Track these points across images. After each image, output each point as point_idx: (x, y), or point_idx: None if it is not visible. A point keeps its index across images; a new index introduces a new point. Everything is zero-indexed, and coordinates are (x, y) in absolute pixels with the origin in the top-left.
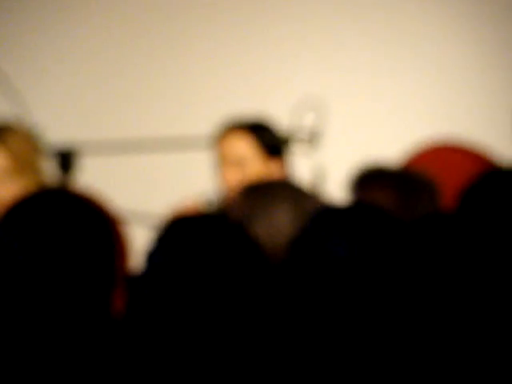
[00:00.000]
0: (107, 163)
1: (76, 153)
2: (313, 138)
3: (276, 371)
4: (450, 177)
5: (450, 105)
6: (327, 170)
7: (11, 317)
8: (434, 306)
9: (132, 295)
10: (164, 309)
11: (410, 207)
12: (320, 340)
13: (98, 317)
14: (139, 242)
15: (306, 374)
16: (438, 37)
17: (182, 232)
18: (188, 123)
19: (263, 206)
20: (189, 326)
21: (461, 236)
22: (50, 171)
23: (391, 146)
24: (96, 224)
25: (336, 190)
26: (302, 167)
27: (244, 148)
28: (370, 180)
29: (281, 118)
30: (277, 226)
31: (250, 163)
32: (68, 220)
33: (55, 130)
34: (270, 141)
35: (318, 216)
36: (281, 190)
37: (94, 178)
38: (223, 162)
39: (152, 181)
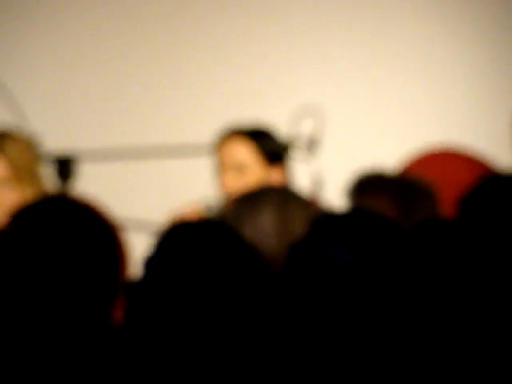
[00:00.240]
0: (105, 170)
1: (74, 160)
2: (311, 145)
3: (274, 375)
4: (448, 183)
5: (448, 112)
6: (326, 177)
7: (15, 322)
8: (434, 312)
9: (130, 302)
10: (162, 315)
11: (408, 213)
12: (319, 345)
13: (99, 324)
14: (138, 249)
15: (303, 377)
16: (436, 44)
17: (180, 238)
18: (187, 131)
19: (249, 211)
20: (187, 331)
21: (461, 243)
22: (48, 179)
23: (389, 153)
24: (99, 231)
25: (335, 196)
26: (300, 174)
27: (244, 154)
28: (369, 186)
29: (280, 125)
30: (261, 230)
31: (250, 170)
32: (71, 227)
33: (53, 138)
34: (271, 147)
35: (318, 222)
36: (266, 196)
37: (92, 185)
38: (223, 167)
39: (150, 188)
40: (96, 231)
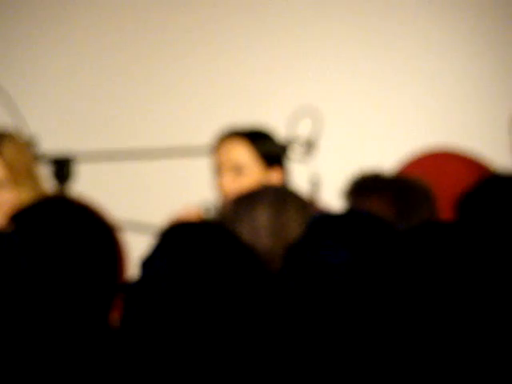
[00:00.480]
0: (103, 172)
1: (72, 161)
2: (309, 147)
3: (271, 375)
4: (445, 184)
5: (445, 114)
6: (323, 178)
7: (13, 322)
8: (431, 314)
9: (127, 303)
10: (159, 315)
11: (406, 215)
12: (315, 346)
13: (97, 324)
14: (135, 250)
15: (299, 378)
16: (434, 47)
17: (177, 239)
18: (185, 132)
19: (246, 210)
20: (184, 332)
21: (458, 245)
22: (46, 180)
23: (387, 154)
24: (97, 232)
25: (332, 197)
26: (298, 175)
27: (242, 156)
28: (367, 187)
29: (278, 126)
30: (257, 229)
31: (248, 171)
32: (70, 229)
33: (51, 139)
34: (269, 149)
35: (314, 223)
36: (263, 195)
37: (90, 186)
38: (221, 169)
39: (148, 189)
40: (94, 232)
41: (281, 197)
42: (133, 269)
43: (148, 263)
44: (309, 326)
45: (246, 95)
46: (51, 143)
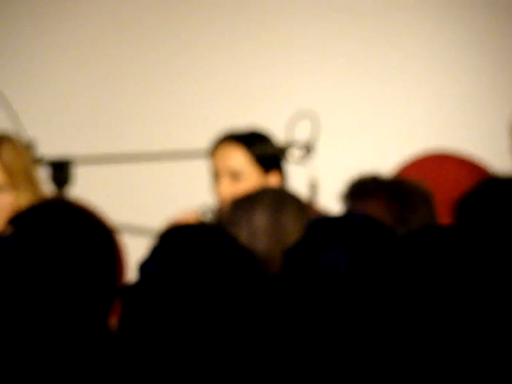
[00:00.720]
0: (101, 175)
1: (70, 164)
2: (307, 150)
3: (270, 378)
4: (444, 186)
5: (444, 117)
6: (321, 182)
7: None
8: (430, 319)
9: (125, 305)
10: (157, 318)
11: (405, 217)
12: (314, 349)
13: (96, 326)
14: (133, 253)
15: (300, 381)
16: (432, 50)
17: (175, 242)
18: (183, 136)
19: (244, 212)
20: (182, 334)
21: (457, 248)
22: (44, 183)
23: (385, 157)
24: (97, 235)
25: (330, 201)
26: (296, 179)
27: (239, 161)
28: (365, 190)
29: (276, 130)
30: (255, 230)
31: (246, 176)
32: (69, 231)
33: (49, 142)
34: (266, 153)
35: (312, 226)
36: (262, 197)
37: (88, 189)
38: (218, 174)
39: (146, 193)
40: (93, 235)
41: (279, 199)
42: (131, 272)
43: (146, 266)
44: (307, 329)
45: (244, 98)
46: (49, 146)
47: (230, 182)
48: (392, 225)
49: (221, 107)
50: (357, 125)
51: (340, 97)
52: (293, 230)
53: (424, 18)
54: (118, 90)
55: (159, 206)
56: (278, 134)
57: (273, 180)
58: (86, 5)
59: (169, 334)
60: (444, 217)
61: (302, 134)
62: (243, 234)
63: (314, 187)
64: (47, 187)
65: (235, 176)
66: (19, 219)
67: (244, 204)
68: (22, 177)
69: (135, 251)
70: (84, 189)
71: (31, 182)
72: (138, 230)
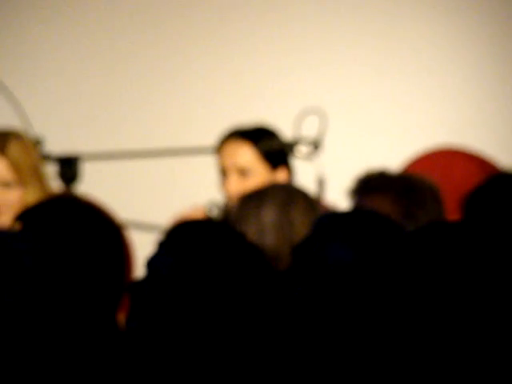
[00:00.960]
0: (109, 171)
1: (78, 161)
2: (315, 146)
3: (277, 375)
4: (452, 181)
5: (451, 113)
6: (329, 178)
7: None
8: (436, 315)
9: (133, 301)
10: (164, 314)
11: (412, 213)
12: (322, 345)
13: (105, 324)
14: (141, 249)
15: (307, 379)
16: (439, 46)
17: (182, 237)
18: (191, 132)
19: (253, 207)
20: (191, 331)
21: (466, 244)
22: (52, 179)
23: (393, 153)
24: (106, 231)
25: (338, 197)
26: (304, 174)
27: (246, 157)
28: (373, 186)
29: (284, 126)
30: (263, 225)
31: (254, 173)
32: (78, 227)
33: (57, 138)
34: (273, 149)
35: (320, 222)
36: (271, 192)
37: (96, 185)
38: (225, 171)
39: (154, 189)
40: (102, 231)
41: (288, 195)
42: (139, 268)
43: (153, 262)
44: (315, 325)
45: (252, 95)
46: (57, 143)
47: (237, 179)
48: (400, 221)
49: (229, 104)
50: (364, 121)
51: (347, 93)
52: (301, 226)
53: (434, 15)
54: (125, 87)
55: (166, 202)
56: (286, 130)
57: (280, 176)
58: (94, 3)
59: (176, 330)
60: (452, 213)
61: (309, 130)
62: (252, 230)
63: (321, 183)
64: (55, 184)
65: (243, 173)
66: (27, 216)
67: (253, 200)
68: (29, 173)
69: (143, 247)
70: (91, 185)
71: (39, 179)
72: (145, 226)
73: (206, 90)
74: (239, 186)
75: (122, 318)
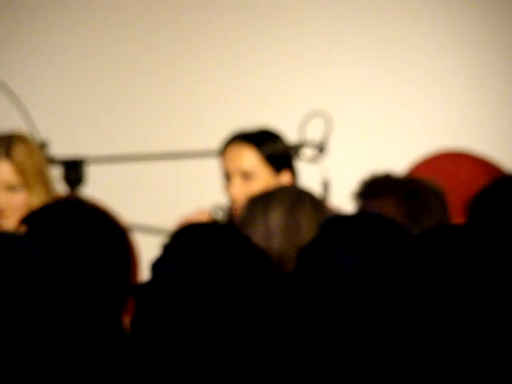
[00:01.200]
0: (114, 174)
1: (83, 164)
2: (320, 149)
3: (281, 378)
4: (458, 184)
5: (456, 116)
6: (334, 181)
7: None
8: (442, 319)
9: (138, 303)
10: (170, 318)
11: (418, 216)
12: (327, 348)
13: (110, 327)
14: (145, 253)
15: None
16: (444, 49)
17: (187, 240)
18: (196, 135)
19: (260, 211)
20: (195, 334)
21: (472, 248)
22: (57, 182)
23: (398, 156)
24: (111, 234)
25: (343, 200)
26: (309, 178)
27: (250, 161)
28: (378, 189)
29: (289, 129)
30: (271, 230)
31: (257, 176)
32: (84, 230)
33: (62, 141)
34: (277, 152)
35: (326, 225)
36: (279, 195)
37: (100, 189)
38: (229, 175)
39: (159, 192)
40: (107, 234)
41: (296, 198)
42: (144, 271)
43: (158, 265)
44: (320, 328)
45: (257, 98)
46: (62, 146)
47: (241, 183)
48: (405, 224)
49: (234, 107)
50: (369, 124)
51: (352, 96)
52: (308, 229)
53: (439, 19)
54: (130, 90)
55: (171, 205)
56: (291, 133)
57: (284, 179)
58: (99, 7)
59: (181, 333)
60: (457, 216)
61: (314, 133)
62: (259, 233)
63: (326, 186)
64: (60, 187)
65: (247, 176)
66: (32, 219)
67: (260, 202)
68: (35, 176)
69: (148, 250)
70: (96, 188)
71: (44, 182)
72: (150, 229)
73: (212, 94)
74: (243, 190)
75: (126, 320)
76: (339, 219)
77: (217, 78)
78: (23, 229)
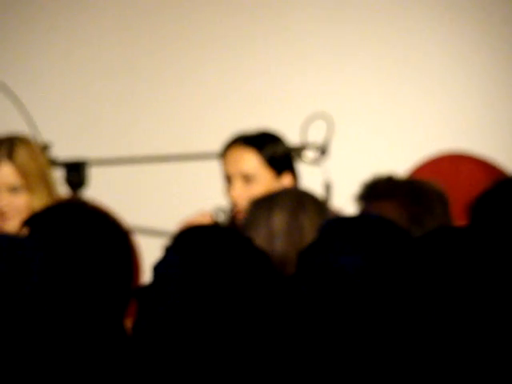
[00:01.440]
0: (116, 176)
1: (85, 166)
2: (322, 152)
3: (282, 380)
4: (459, 186)
5: (458, 118)
6: (336, 183)
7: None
8: (445, 320)
9: (140, 306)
10: (172, 320)
11: (419, 218)
12: (328, 350)
13: (112, 330)
14: (147, 255)
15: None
16: (445, 52)
17: (189, 243)
18: (198, 138)
19: (263, 213)
20: (197, 336)
21: (474, 250)
22: (59, 185)
23: (400, 158)
24: (113, 237)
25: (345, 202)
26: (310, 180)
27: (251, 164)
28: (379, 191)
29: (291, 132)
30: (274, 232)
31: (258, 179)
32: (87, 232)
33: (63, 144)
34: (278, 154)
35: (327, 228)
36: (281, 199)
37: (102, 191)
38: (230, 178)
39: (161, 194)
40: (109, 237)
41: (299, 200)
42: (146, 273)
43: (160, 267)
44: (321, 330)
45: (259, 100)
46: (64, 148)
47: (242, 186)
48: (407, 226)
49: (236, 109)
50: (371, 126)
51: (354, 98)
52: (311, 231)
53: (441, 21)
54: (132, 92)
55: (173, 207)
56: (293, 135)
57: (285, 182)
58: (101, 9)
59: (183, 336)
60: (459, 218)
61: (316, 135)
62: (261, 235)
63: (328, 189)
64: (62, 189)
65: (247, 179)
66: (35, 221)
67: (263, 205)
68: (37, 179)
69: (150, 253)
70: (98, 190)
71: (46, 184)
72: (152, 232)
73: (214, 96)
74: (244, 193)
75: (128, 323)
76: (339, 221)
77: (218, 80)
78: (25, 231)
